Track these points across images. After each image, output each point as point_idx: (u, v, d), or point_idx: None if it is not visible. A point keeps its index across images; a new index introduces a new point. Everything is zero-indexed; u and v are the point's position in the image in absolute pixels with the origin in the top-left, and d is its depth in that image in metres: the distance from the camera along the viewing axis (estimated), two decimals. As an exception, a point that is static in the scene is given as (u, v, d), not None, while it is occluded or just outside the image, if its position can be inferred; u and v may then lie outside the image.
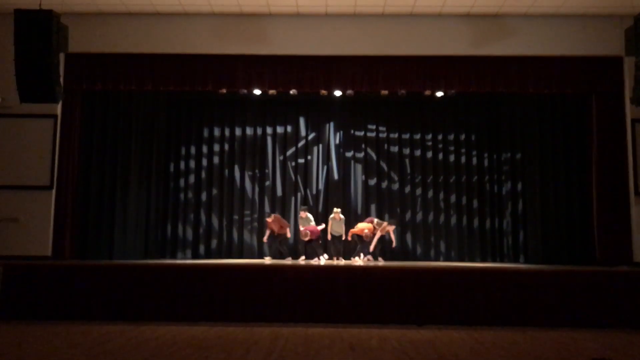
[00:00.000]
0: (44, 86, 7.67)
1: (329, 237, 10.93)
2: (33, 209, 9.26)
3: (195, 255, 11.51)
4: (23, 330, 7.02)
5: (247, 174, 11.93)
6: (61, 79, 8.22)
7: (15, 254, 8.95)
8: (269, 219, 10.81)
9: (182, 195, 11.75)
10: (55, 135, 9.45)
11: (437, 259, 11.48)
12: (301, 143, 12.05)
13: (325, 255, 11.06)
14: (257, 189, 11.80)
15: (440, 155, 11.91)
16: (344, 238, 10.93)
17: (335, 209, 10.97)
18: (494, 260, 11.34)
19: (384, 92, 10.41)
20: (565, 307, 7.80)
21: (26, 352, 5.65)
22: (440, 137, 11.95)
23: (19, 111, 9.08)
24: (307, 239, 10.54)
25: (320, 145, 12.02)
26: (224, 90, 10.47)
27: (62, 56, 8.61)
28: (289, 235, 11.01)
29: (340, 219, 10.83)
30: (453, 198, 11.74)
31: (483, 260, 11.35)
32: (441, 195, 11.77)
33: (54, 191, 9.37)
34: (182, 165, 11.88)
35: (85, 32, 9.46)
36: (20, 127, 9.35)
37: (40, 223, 9.25)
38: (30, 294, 7.91)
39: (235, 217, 11.66)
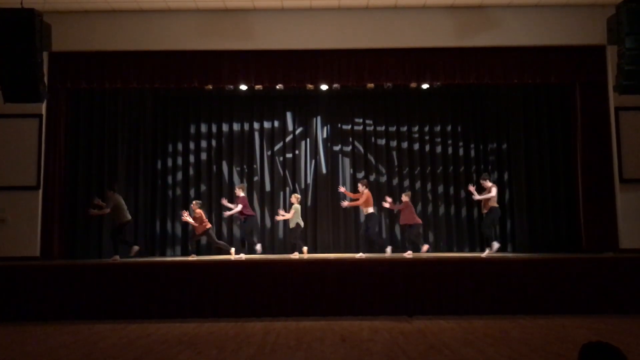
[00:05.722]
0: (27, 86, 7.61)
1: (291, 225, 10.06)
2: (20, 209, 9.19)
3: (185, 252, 11.47)
4: (13, 331, 6.99)
5: (235, 170, 11.89)
6: (45, 78, 8.14)
7: (2, 255, 8.88)
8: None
9: (170, 193, 11.69)
10: (41, 134, 9.38)
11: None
12: (289, 138, 12.01)
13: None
14: (245, 185, 11.76)
15: (427, 147, 11.92)
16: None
17: (295, 195, 10.26)
18: (482, 250, 11.39)
19: (370, 85, 10.40)
20: (553, 294, 7.91)
21: (17, 353, 5.63)
22: (426, 128, 11.96)
23: (3, 111, 8.97)
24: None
25: (308, 140, 12.00)
26: (210, 87, 10.40)
27: (45, 55, 8.52)
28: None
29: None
30: (440, 189, 11.78)
31: (471, 250, 11.43)
32: (429, 187, 11.80)
33: (40, 191, 9.30)
34: (170, 162, 11.81)
35: (68, 31, 9.36)
36: (4, 127, 9.27)
37: (28, 223, 9.19)
38: (20, 295, 7.87)
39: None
